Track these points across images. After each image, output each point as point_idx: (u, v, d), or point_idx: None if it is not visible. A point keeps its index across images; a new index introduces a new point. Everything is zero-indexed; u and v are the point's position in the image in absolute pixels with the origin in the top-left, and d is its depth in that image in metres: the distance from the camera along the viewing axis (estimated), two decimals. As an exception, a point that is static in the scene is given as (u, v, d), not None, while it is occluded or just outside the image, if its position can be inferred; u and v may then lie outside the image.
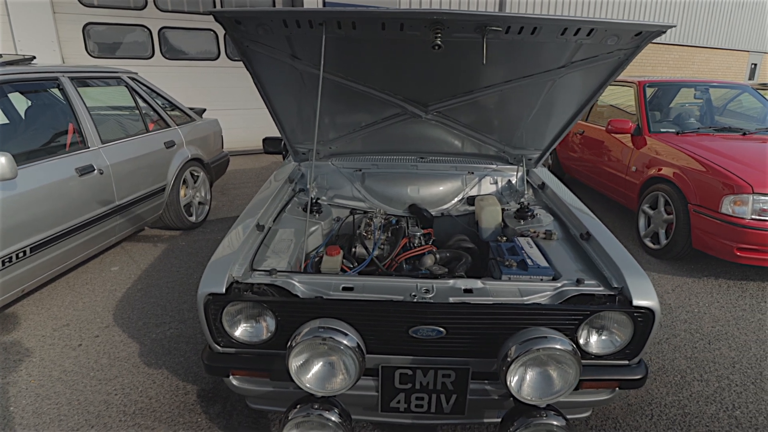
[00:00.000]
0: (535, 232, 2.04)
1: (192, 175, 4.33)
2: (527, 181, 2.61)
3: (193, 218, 4.35)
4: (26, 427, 2.01)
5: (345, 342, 1.39)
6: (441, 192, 2.54)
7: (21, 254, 2.54)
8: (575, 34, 1.44)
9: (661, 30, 1.40)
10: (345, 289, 1.62)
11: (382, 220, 2.29)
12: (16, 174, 2.32)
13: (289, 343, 1.42)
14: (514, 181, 2.61)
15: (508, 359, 1.41)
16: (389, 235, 2.21)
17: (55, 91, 3.09)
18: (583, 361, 1.58)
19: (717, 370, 2.43)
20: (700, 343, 2.68)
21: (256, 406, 1.86)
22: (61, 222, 2.80)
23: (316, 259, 2.01)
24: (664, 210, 3.73)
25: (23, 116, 3.19)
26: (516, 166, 2.56)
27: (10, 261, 2.48)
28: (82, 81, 3.28)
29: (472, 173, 2.61)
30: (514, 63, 1.71)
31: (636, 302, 1.52)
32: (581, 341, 1.57)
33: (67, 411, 2.11)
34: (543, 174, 2.61)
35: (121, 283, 3.32)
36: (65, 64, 6.17)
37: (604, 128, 4.72)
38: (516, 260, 1.79)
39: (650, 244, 3.86)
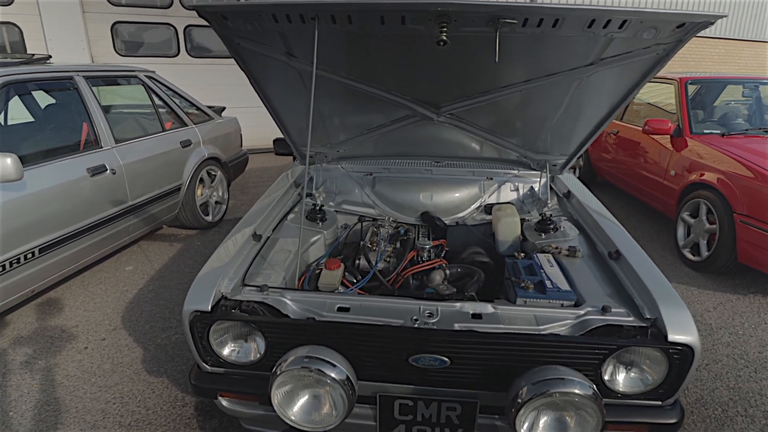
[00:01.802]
0: (557, 248, 1.84)
1: (209, 174, 4.29)
2: (552, 189, 2.41)
3: (209, 218, 4.32)
4: (23, 434, 1.98)
5: (333, 375, 1.26)
6: (456, 199, 2.36)
7: (29, 255, 2.53)
8: (605, 26, 1.24)
9: (708, 21, 1.19)
10: (340, 309, 1.49)
11: (390, 230, 2.14)
12: (21, 175, 2.29)
13: (273, 371, 1.30)
14: (537, 189, 2.40)
15: (519, 401, 1.24)
16: (397, 246, 2.06)
17: (70, 90, 3.08)
18: (608, 400, 1.40)
19: (764, 404, 2.16)
20: (745, 371, 2.40)
21: (250, 427, 1.75)
22: (72, 223, 2.78)
23: (317, 271, 1.88)
24: (706, 219, 3.42)
25: (37, 116, 3.21)
26: (539, 172, 2.35)
27: (18, 262, 2.47)
28: (97, 80, 3.26)
29: (491, 179, 2.42)
30: (535, 60, 1.52)
31: (672, 337, 1.32)
32: (606, 377, 1.38)
33: (65, 419, 2.06)
34: (569, 181, 2.39)
35: (134, 284, 3.30)
36: (94, 62, 6.29)
37: (640, 128, 4.39)
38: (533, 281, 1.61)
39: (690, 256, 3.55)
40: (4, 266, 2.39)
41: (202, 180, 4.19)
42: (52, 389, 2.24)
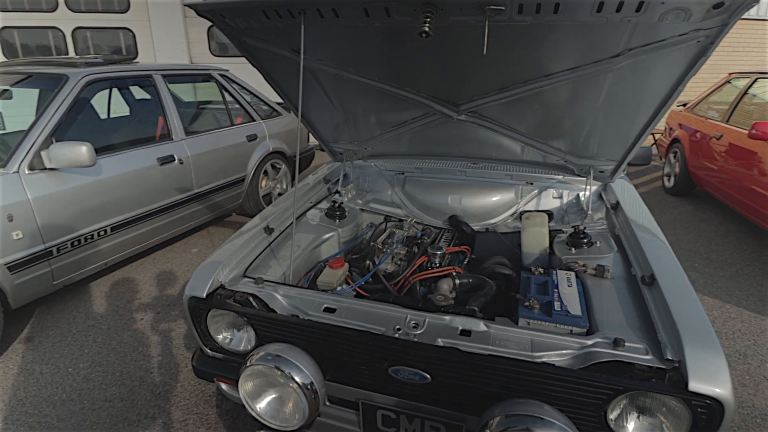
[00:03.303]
0: (584, 265, 1.62)
1: (273, 167, 4.52)
2: (602, 199, 2.14)
3: (272, 208, 4.55)
4: (74, 389, 2.25)
5: (296, 378, 1.23)
6: (488, 204, 2.20)
7: (102, 233, 2.87)
8: (618, 10, 1.05)
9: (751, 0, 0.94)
10: (327, 310, 1.46)
11: (410, 232, 2.06)
12: (94, 162, 2.60)
13: (244, 361, 1.32)
14: (583, 198, 2.14)
15: (487, 431, 1.11)
16: (412, 249, 1.97)
17: (150, 87, 3.43)
18: (613, 448, 1.20)
19: None
20: None
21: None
22: (140, 206, 3.10)
23: (326, 268, 1.87)
24: (823, 245, 2.80)
25: (124, 110, 3.62)
26: (586, 179, 2.10)
27: (91, 238, 2.81)
28: (173, 78, 3.59)
29: (531, 184, 2.22)
30: (552, 52, 1.34)
31: (693, 386, 1.09)
32: (611, 416, 1.19)
33: (111, 380, 2.31)
34: (622, 189, 2.09)
35: (196, 265, 3.59)
36: (192, 62, 6.97)
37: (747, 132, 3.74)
38: (541, 301, 1.43)
39: (798, 287, 2.94)
40: (79, 240, 2.74)
41: (266, 172, 4.43)
42: (106, 352, 2.52)
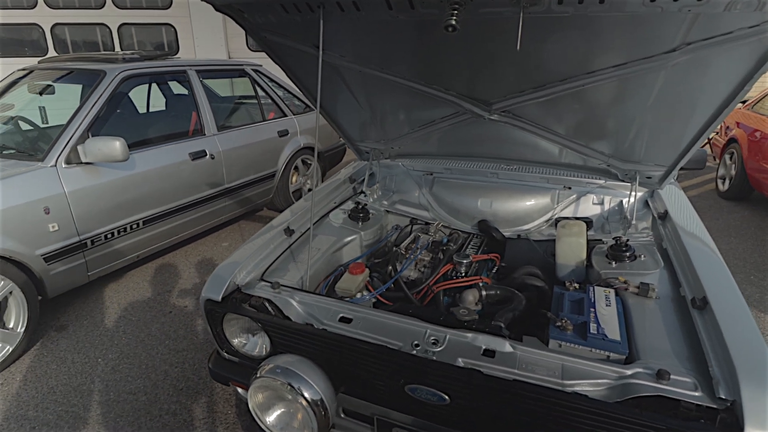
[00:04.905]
0: (625, 282, 1.48)
1: (304, 162, 4.51)
2: (648, 207, 1.96)
3: (301, 204, 4.55)
4: (102, 380, 2.30)
5: (305, 393, 1.17)
6: (521, 209, 2.06)
7: (135, 226, 2.93)
8: (675, -1, 0.91)
9: None
10: (342, 320, 1.39)
11: (436, 236, 1.96)
12: (127, 157, 2.65)
13: (254, 371, 1.27)
14: (627, 205, 1.97)
15: (509, 468, 1.01)
16: (438, 255, 1.87)
17: (184, 82, 3.47)
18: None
19: None
20: None
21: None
22: (172, 201, 3.15)
23: (345, 274, 1.80)
24: None
25: (161, 105, 3.68)
26: (630, 185, 1.93)
27: (125, 231, 2.88)
28: (207, 73, 3.62)
29: (569, 188, 2.06)
30: (596, 47, 1.20)
31: (750, 432, 0.94)
32: (652, 459, 1.06)
33: (136, 373, 2.35)
34: (672, 197, 1.91)
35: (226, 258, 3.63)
36: (230, 57, 7.08)
37: (818, 133, 3.38)
38: (575, 321, 1.30)
39: None
40: (113, 233, 2.80)
41: (297, 168, 4.42)
42: (134, 344, 2.58)
